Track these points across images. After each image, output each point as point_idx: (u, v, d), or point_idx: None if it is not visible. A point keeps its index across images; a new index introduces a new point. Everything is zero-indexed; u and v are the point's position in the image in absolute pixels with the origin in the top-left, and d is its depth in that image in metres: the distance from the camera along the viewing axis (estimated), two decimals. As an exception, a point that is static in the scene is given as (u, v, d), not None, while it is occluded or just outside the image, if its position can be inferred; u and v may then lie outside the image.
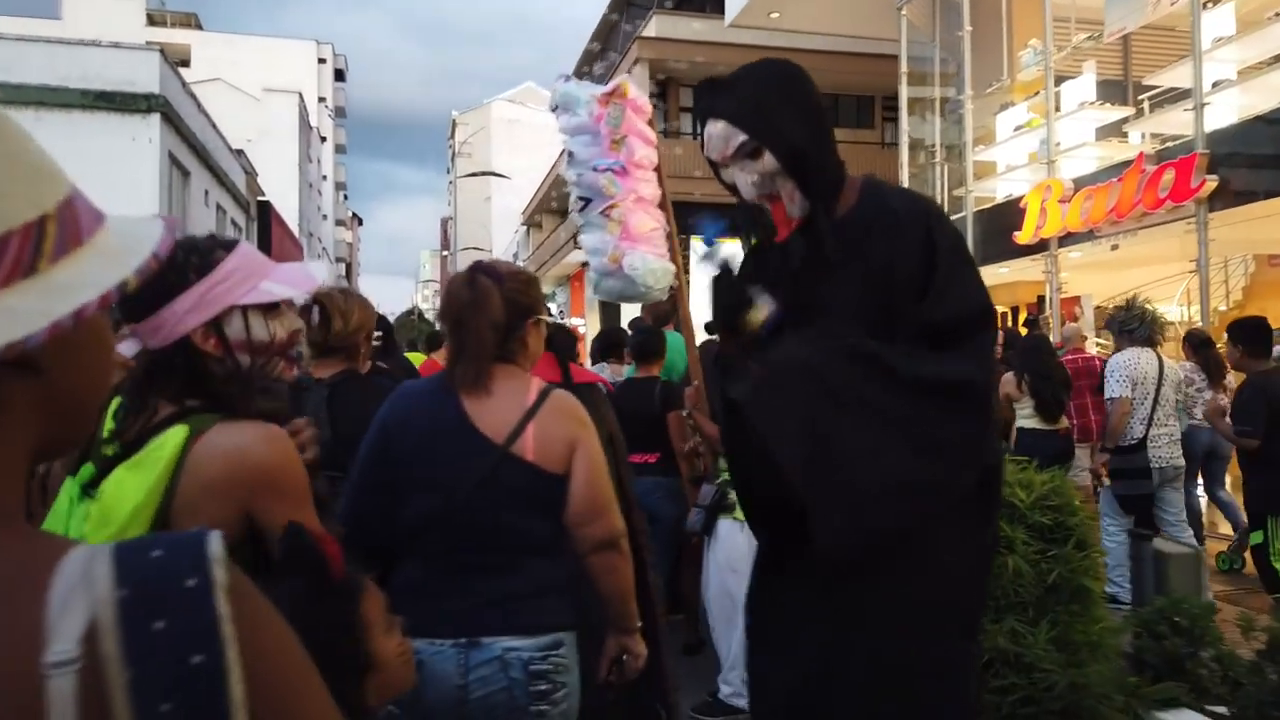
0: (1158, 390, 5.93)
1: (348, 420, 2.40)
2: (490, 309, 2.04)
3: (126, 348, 1.54)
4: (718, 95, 1.94)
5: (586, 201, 3.80)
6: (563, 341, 3.58)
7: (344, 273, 66.94)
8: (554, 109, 3.96)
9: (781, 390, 1.80)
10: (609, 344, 6.25)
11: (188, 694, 0.53)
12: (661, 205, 3.91)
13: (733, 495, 3.84)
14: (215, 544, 0.58)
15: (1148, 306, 6.37)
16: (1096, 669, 2.85)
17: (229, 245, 1.50)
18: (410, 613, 1.55)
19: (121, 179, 17.41)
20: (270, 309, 1.50)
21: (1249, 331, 5.35)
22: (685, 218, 4.71)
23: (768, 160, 1.91)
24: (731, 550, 4.02)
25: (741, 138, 1.90)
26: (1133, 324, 6.11)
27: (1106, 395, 6.01)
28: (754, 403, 1.81)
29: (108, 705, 0.52)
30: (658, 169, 3.88)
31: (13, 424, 0.61)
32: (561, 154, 4.15)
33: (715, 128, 1.92)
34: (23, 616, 0.53)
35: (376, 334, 3.69)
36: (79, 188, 0.65)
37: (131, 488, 1.29)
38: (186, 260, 1.43)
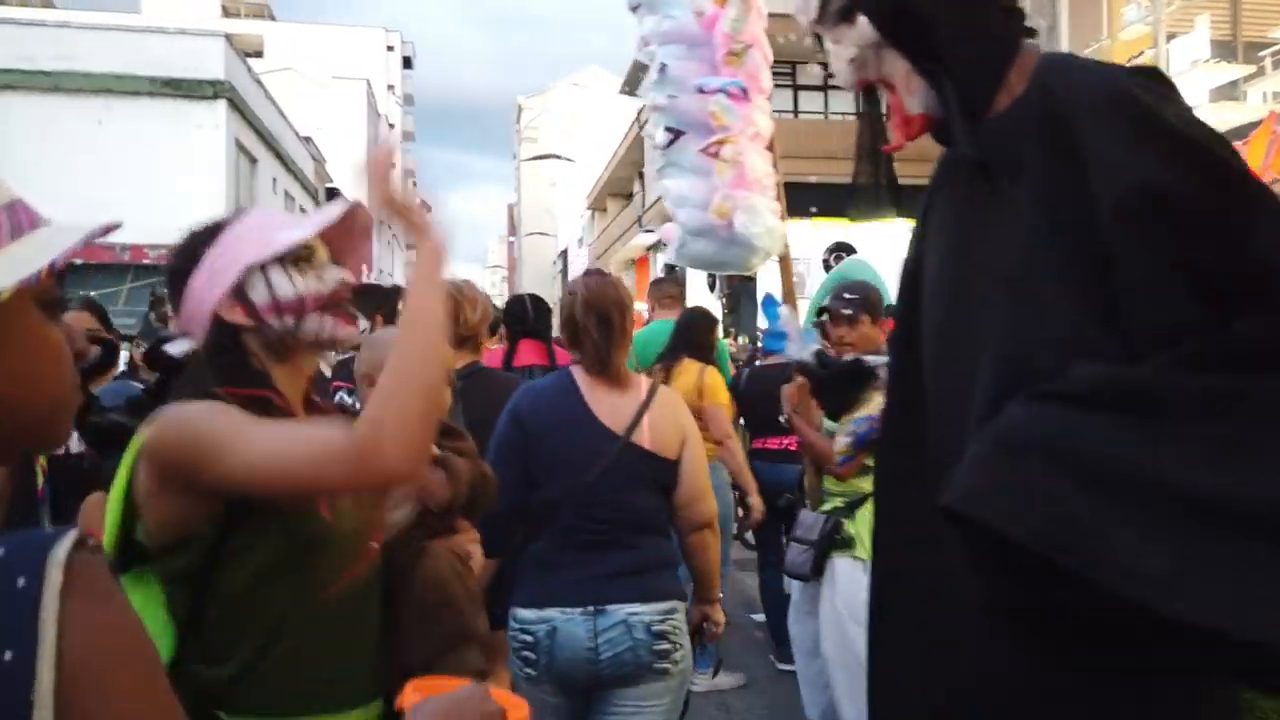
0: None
1: (475, 413, 2.40)
2: (630, 309, 2.38)
3: (176, 347, 1.40)
4: None
5: (676, 135, 2.82)
6: (544, 323, 3.77)
7: (413, 259, 67.67)
8: (634, 7, 2.92)
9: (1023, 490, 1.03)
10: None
11: None
12: (771, 146, 2.95)
13: (850, 527, 3.15)
14: (63, 546, 0.60)
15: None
16: None
17: (240, 213, 1.38)
18: (542, 584, 2.19)
19: (188, 165, 17.52)
20: (300, 261, 1.33)
21: None
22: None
23: (862, 26, 1.27)
24: (852, 597, 3.07)
25: None
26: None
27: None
28: (991, 516, 1.04)
29: None
30: (769, 96, 3.01)
31: None
32: (638, 121, 3.18)
33: None
34: None
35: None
36: (13, 202, 0.69)
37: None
38: (199, 236, 1.34)
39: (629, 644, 2.19)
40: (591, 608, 2.20)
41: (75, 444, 2.63)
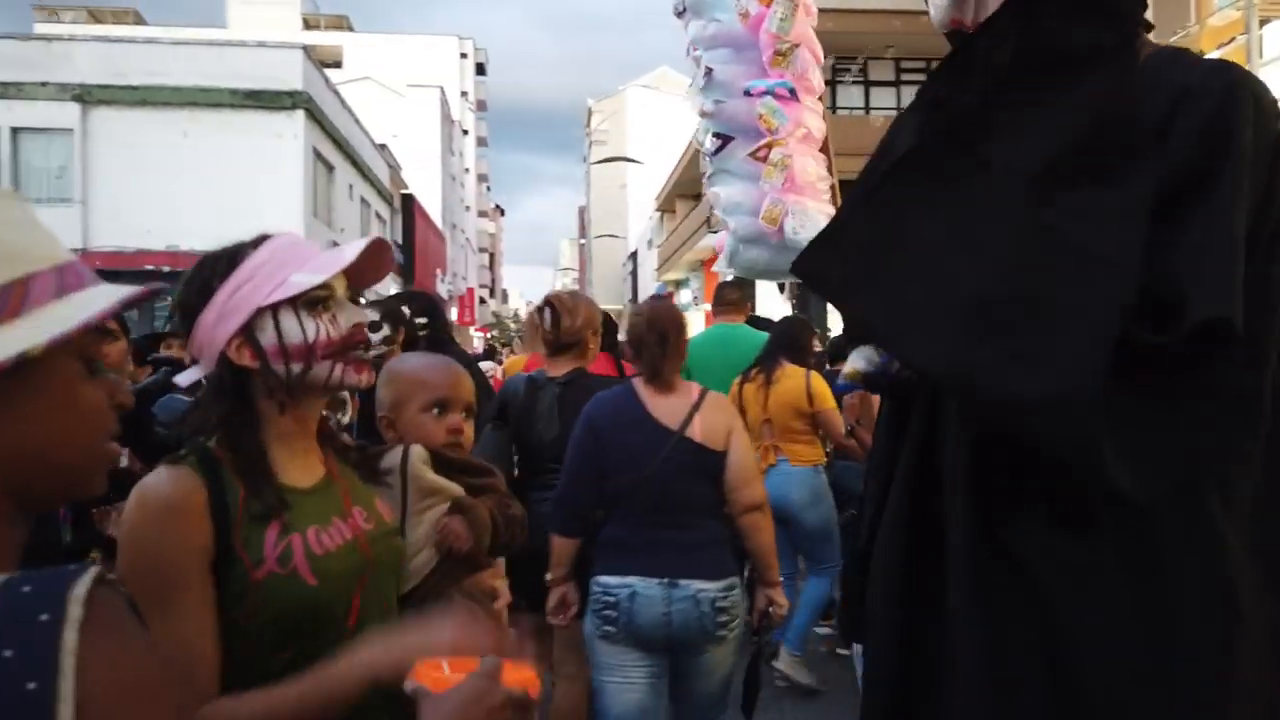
0: None
1: (574, 417, 2.83)
2: (684, 329, 2.86)
3: (186, 378, 1.33)
4: None
5: (725, 140, 2.73)
6: (611, 339, 3.92)
7: (488, 263, 68.81)
8: (679, 11, 2.78)
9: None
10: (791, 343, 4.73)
11: (18, 716, 0.58)
12: (824, 148, 2.80)
13: None
14: (83, 583, 0.63)
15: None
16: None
17: (260, 241, 1.27)
18: (622, 557, 2.59)
19: (268, 174, 18.09)
20: (315, 303, 1.25)
21: None
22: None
23: None
24: None
25: None
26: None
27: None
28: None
29: None
30: (821, 97, 2.82)
31: None
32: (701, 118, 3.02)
33: None
34: None
35: (421, 320, 3.25)
36: (64, 264, 0.75)
37: None
38: (214, 268, 1.24)
39: (696, 615, 2.58)
40: (666, 580, 2.58)
41: None
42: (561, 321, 3.15)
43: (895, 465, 1.40)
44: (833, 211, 2.81)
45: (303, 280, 1.23)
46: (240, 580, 1.16)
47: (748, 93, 2.67)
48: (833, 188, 2.85)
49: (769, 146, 2.64)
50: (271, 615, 1.16)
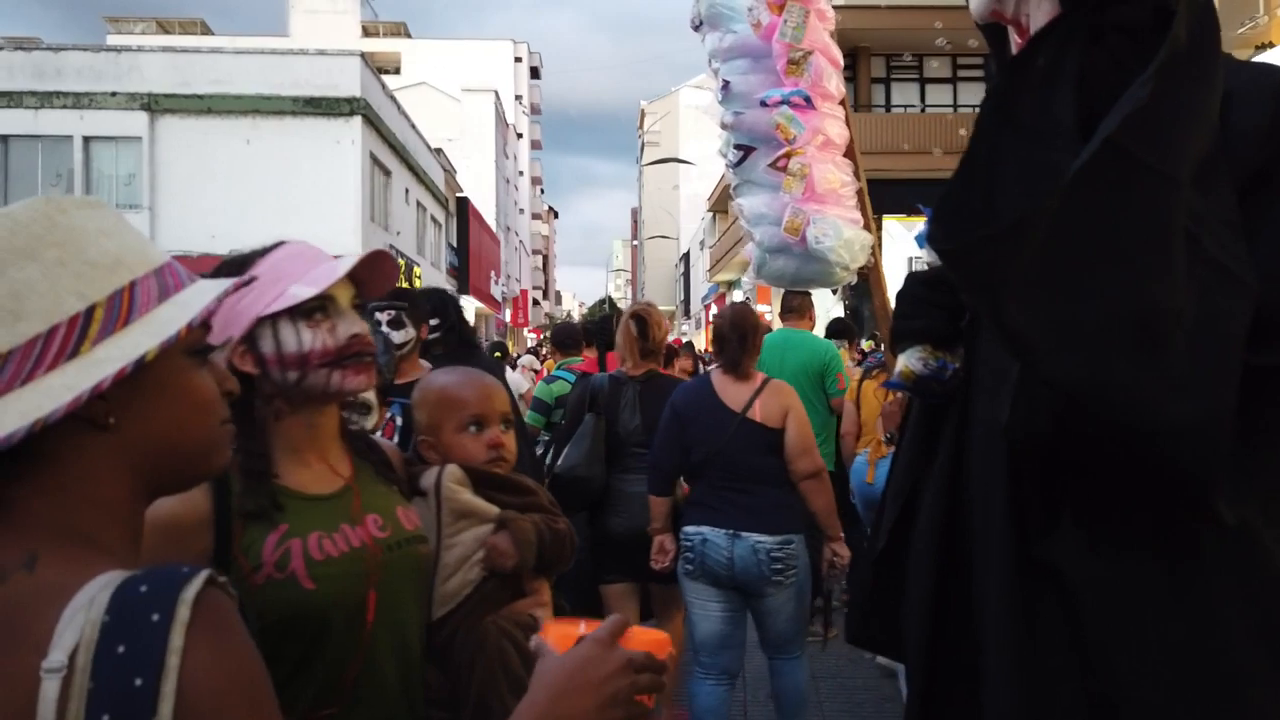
0: None
1: (652, 410, 3.57)
2: (760, 330, 3.51)
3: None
4: None
5: (746, 152, 2.77)
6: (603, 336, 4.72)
7: (541, 265, 69.29)
8: (696, 26, 2.85)
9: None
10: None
11: (123, 708, 0.62)
12: (849, 153, 2.81)
13: None
14: (194, 586, 0.67)
15: None
16: None
17: (269, 250, 1.33)
18: (697, 514, 3.28)
19: (327, 179, 18.47)
20: (314, 312, 1.29)
21: None
22: (879, 199, 3.51)
23: None
24: None
25: None
26: None
27: None
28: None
29: (71, 709, 0.62)
30: (843, 102, 2.81)
31: (90, 470, 0.76)
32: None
33: None
34: (39, 627, 0.65)
35: (433, 320, 3.28)
36: (161, 266, 0.81)
37: None
38: (225, 274, 1.27)
39: (754, 561, 3.17)
40: (730, 530, 3.20)
41: None
42: (650, 331, 3.76)
43: (920, 471, 1.38)
44: (859, 218, 2.82)
45: (300, 292, 1.27)
46: (239, 585, 1.19)
47: (764, 103, 2.68)
48: (859, 193, 2.83)
49: (787, 156, 2.65)
50: (272, 619, 1.17)
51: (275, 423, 1.30)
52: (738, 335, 3.37)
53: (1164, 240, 1.03)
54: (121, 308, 0.76)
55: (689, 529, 3.31)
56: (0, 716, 0.64)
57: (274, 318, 1.27)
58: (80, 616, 0.65)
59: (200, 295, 0.81)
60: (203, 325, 0.83)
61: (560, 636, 0.92)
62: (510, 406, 1.63)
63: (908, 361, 1.46)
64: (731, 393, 3.32)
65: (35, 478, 0.74)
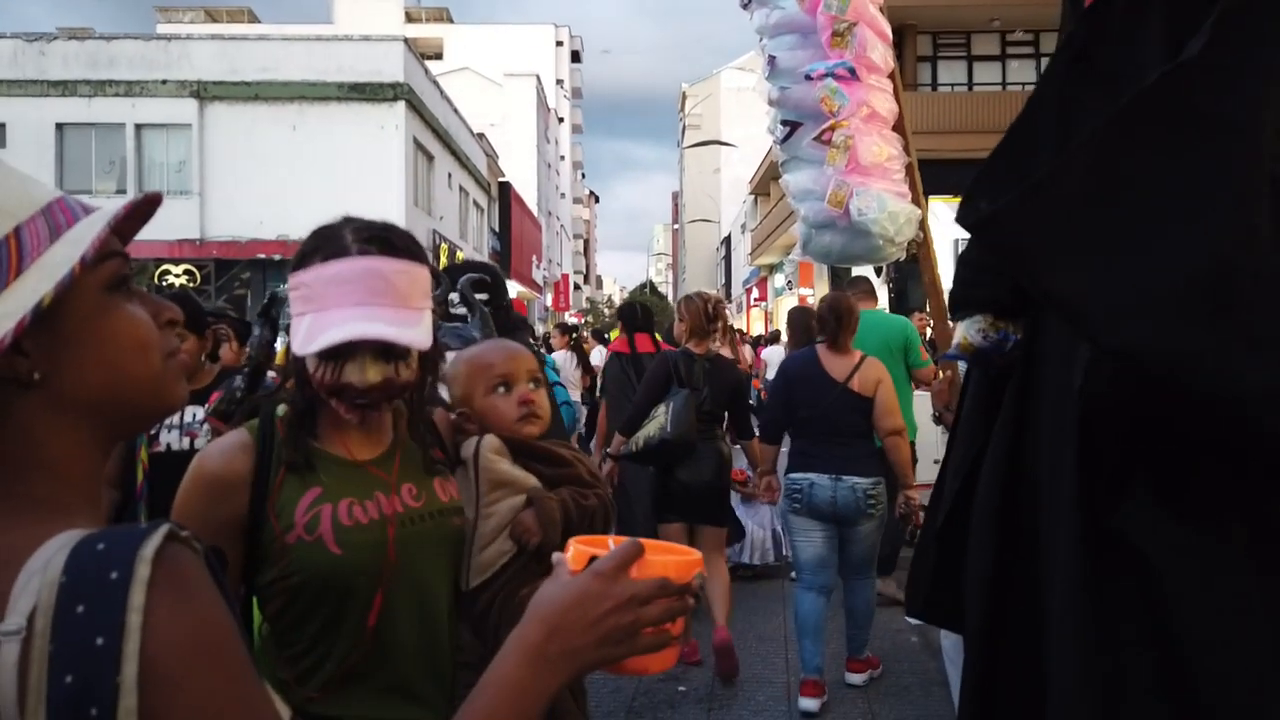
0: None
1: (717, 383, 4.37)
2: (856, 313, 4.17)
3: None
4: None
5: (793, 127, 2.77)
6: (650, 323, 5.74)
7: (582, 249, 69.40)
8: (745, 3, 2.88)
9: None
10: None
11: (86, 669, 0.61)
12: (898, 127, 2.80)
13: None
14: (153, 542, 0.65)
15: None
16: None
17: (329, 257, 1.34)
18: (803, 462, 4.04)
19: (371, 165, 18.63)
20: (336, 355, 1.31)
21: None
22: (928, 179, 3.44)
23: None
24: None
25: None
26: None
27: None
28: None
29: (32, 673, 0.61)
30: (892, 75, 2.78)
31: (27, 431, 0.72)
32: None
33: None
34: None
35: (481, 296, 3.28)
36: (49, 204, 0.74)
37: None
38: (300, 253, 1.36)
39: (853, 498, 3.94)
40: (833, 475, 3.96)
41: (176, 441, 2.80)
42: (719, 315, 4.54)
43: (981, 444, 1.34)
44: (906, 192, 2.77)
45: (331, 338, 1.25)
46: (271, 543, 1.25)
47: (809, 76, 2.67)
48: (908, 167, 2.80)
49: (832, 129, 2.63)
50: (299, 580, 1.24)
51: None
52: (835, 317, 4.07)
53: (1235, 194, 0.96)
54: (10, 257, 0.70)
55: (795, 475, 4.05)
56: None
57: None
58: (35, 580, 0.63)
59: (92, 226, 0.73)
60: (120, 256, 0.76)
61: (578, 556, 0.88)
62: (538, 367, 1.65)
63: (967, 333, 1.40)
64: (834, 364, 4.05)
65: None
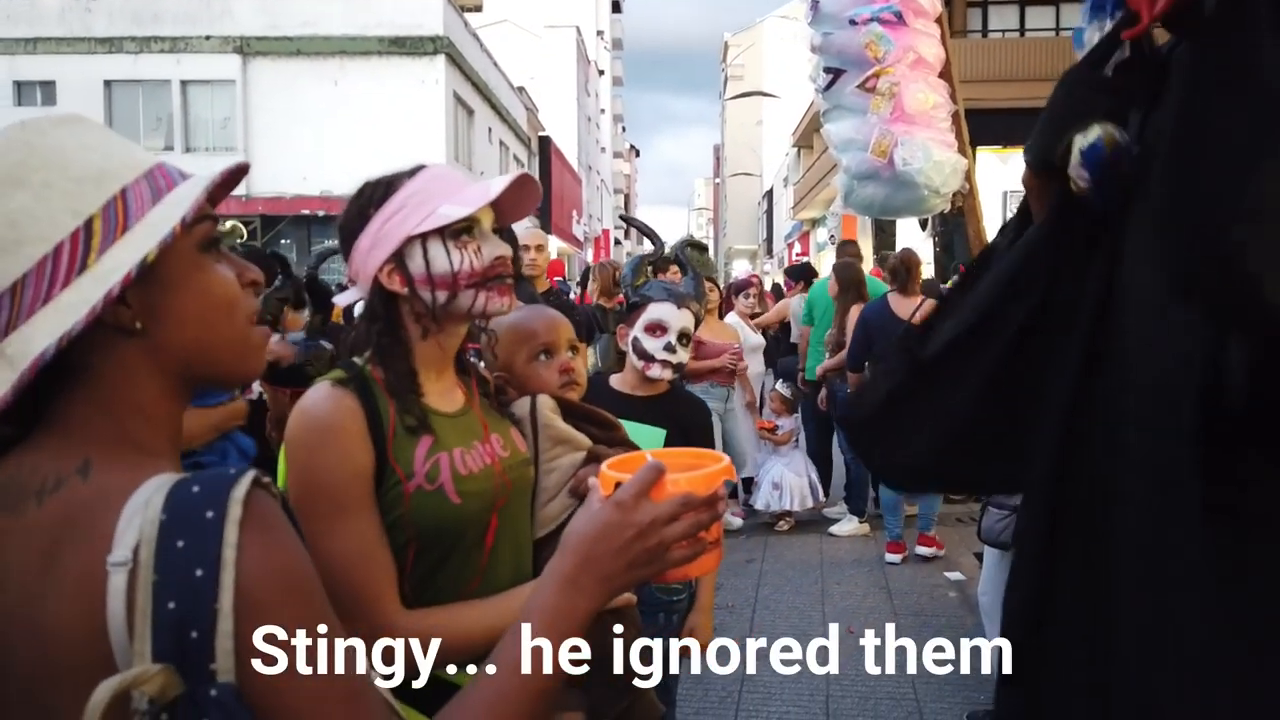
0: None
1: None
2: (920, 265, 5.28)
3: (344, 298, 1.42)
4: None
5: (836, 75, 2.68)
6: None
7: (622, 204, 68.98)
8: None
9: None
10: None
11: (188, 597, 0.68)
12: (944, 74, 2.69)
13: None
14: (243, 486, 0.72)
15: None
16: None
17: (415, 172, 1.34)
18: None
19: (412, 119, 18.64)
20: (461, 233, 1.30)
21: None
22: (974, 130, 3.34)
23: None
24: None
25: None
26: None
27: None
28: None
29: (138, 599, 0.67)
30: (939, 20, 2.70)
31: (130, 376, 0.79)
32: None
33: None
34: (100, 528, 0.70)
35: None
36: (151, 169, 0.81)
37: None
38: (370, 196, 1.32)
39: None
40: None
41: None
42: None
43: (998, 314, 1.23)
44: (952, 141, 2.65)
45: (450, 212, 1.27)
46: (393, 492, 1.25)
47: (853, 21, 2.57)
48: (955, 116, 2.69)
49: (876, 75, 2.55)
50: (416, 530, 1.25)
51: (420, 342, 1.33)
52: (905, 269, 5.35)
53: None
54: (118, 216, 0.77)
55: None
56: (74, 611, 0.68)
57: (424, 237, 1.28)
58: (138, 517, 0.69)
59: (192, 190, 0.80)
60: (210, 219, 0.83)
61: (605, 481, 0.91)
62: (575, 334, 1.69)
63: (1104, 130, 1.08)
64: (902, 307, 5.17)
65: (80, 389, 0.78)
